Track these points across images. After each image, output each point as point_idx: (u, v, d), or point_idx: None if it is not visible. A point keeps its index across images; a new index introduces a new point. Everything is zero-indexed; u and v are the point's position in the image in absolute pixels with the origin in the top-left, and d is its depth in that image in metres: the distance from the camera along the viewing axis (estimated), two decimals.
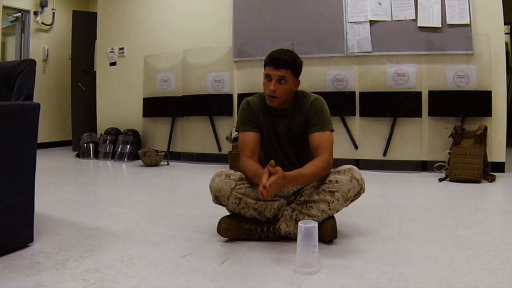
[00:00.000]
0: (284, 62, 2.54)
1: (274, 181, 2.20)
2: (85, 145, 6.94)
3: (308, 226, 2.09)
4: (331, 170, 2.60)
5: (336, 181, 2.50)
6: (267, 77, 2.58)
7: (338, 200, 2.49)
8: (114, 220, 3.13)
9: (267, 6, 5.96)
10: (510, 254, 2.31)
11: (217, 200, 2.59)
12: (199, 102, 6.38)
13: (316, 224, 2.12)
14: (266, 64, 2.60)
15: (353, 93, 5.56)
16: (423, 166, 5.33)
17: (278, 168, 2.26)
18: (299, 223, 2.13)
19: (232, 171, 2.63)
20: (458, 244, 2.50)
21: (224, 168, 4.55)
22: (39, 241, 2.55)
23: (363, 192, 2.59)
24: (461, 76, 5.16)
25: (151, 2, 6.90)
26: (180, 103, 6.55)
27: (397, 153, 5.42)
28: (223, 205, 2.63)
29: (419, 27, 5.27)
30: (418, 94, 5.31)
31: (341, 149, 5.44)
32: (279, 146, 2.74)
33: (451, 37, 5.18)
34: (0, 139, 2.22)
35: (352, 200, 2.60)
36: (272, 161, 2.27)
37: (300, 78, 2.68)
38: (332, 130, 2.64)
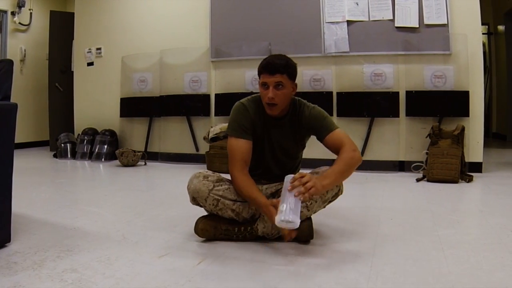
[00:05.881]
0: (279, 67, 2.44)
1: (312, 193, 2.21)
2: (62, 145, 6.87)
3: (290, 175, 2.19)
4: (312, 171, 2.60)
5: None
6: (264, 85, 2.49)
7: (316, 202, 2.49)
8: (91, 220, 3.12)
9: (245, 7, 5.93)
10: (488, 254, 2.32)
11: (195, 201, 2.58)
12: (176, 102, 6.36)
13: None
14: (260, 72, 2.51)
15: (331, 93, 5.55)
16: (400, 166, 5.33)
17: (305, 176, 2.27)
18: (286, 177, 2.24)
19: (210, 172, 2.61)
20: (435, 244, 2.51)
21: (201, 168, 4.54)
22: (16, 241, 2.54)
23: (341, 194, 2.60)
24: (438, 76, 5.18)
25: (128, 2, 6.86)
26: (158, 103, 6.52)
27: (374, 153, 5.42)
28: (201, 206, 2.61)
29: (397, 27, 5.28)
30: (396, 94, 5.32)
31: (319, 149, 5.31)
32: (271, 155, 2.69)
33: (429, 37, 5.20)
34: None
35: (330, 201, 2.60)
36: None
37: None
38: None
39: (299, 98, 2.68)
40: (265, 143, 2.65)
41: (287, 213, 2.11)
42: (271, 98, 2.45)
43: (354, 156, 2.43)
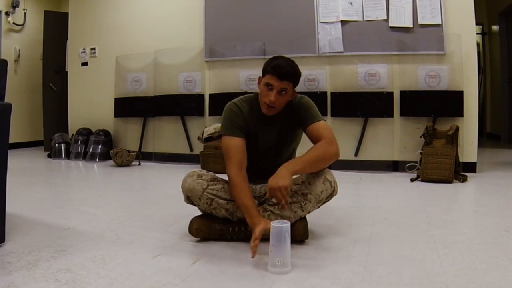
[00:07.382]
0: (289, 74, 2.44)
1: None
2: (56, 145, 6.86)
3: (280, 226, 2.08)
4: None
5: (309, 183, 2.50)
6: (268, 86, 2.46)
7: (310, 202, 2.49)
8: (85, 220, 3.11)
9: (239, 6, 5.92)
10: (482, 254, 2.31)
11: (189, 200, 2.59)
12: (170, 102, 6.34)
13: (288, 224, 2.11)
14: (267, 72, 2.47)
15: (325, 93, 5.54)
16: (394, 166, 5.32)
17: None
18: (272, 223, 2.11)
19: (204, 171, 2.61)
20: (429, 244, 2.51)
21: (195, 168, 4.53)
22: (10, 241, 2.53)
23: (335, 194, 2.59)
24: (432, 76, 5.18)
25: (122, 2, 6.85)
26: (152, 103, 6.51)
27: (368, 153, 5.42)
28: (195, 205, 2.61)
29: (391, 27, 5.28)
30: (390, 94, 5.31)
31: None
32: (264, 154, 2.68)
33: (423, 37, 5.20)
34: None
35: (324, 202, 2.60)
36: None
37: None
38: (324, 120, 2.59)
39: None
40: (258, 142, 2.64)
41: (288, 264, 2.10)
42: (272, 102, 2.45)
43: (329, 149, 2.43)
